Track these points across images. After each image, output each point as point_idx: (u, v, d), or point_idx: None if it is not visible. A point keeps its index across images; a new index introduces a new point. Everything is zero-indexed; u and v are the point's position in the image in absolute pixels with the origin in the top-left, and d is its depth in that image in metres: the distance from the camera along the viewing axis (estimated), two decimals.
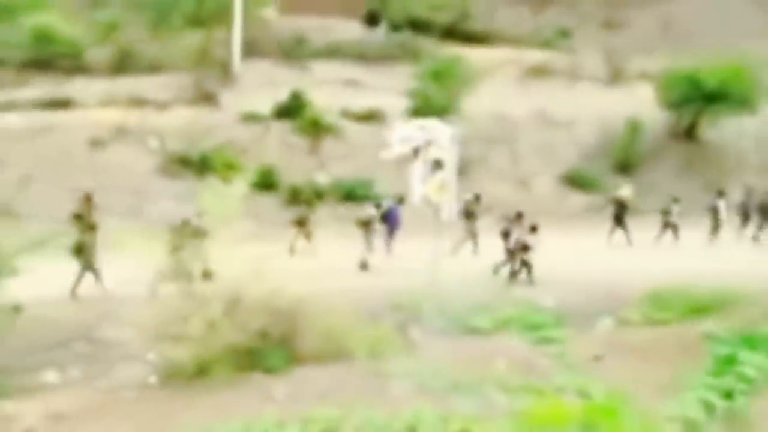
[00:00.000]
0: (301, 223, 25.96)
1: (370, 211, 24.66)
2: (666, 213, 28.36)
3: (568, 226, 30.39)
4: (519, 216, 23.06)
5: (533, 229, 22.36)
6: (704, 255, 25.78)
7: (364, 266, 23.63)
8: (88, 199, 24.71)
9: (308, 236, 25.80)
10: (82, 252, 21.17)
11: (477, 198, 26.47)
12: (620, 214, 28.07)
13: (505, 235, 22.71)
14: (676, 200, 28.46)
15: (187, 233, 17.87)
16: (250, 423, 3.56)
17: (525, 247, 22.18)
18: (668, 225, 28.20)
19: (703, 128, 37.69)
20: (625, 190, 28.99)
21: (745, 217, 29.67)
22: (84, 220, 22.98)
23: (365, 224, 24.23)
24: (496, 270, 22.66)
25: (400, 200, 25.35)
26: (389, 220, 24.93)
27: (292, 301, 14.57)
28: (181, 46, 41.31)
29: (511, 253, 22.44)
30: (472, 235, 25.73)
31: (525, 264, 22.27)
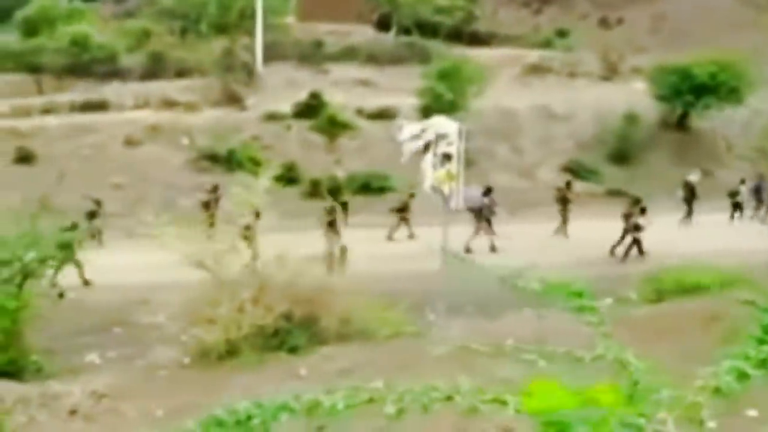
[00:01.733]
0: (402, 210, 25.87)
1: (485, 200, 24.95)
2: (734, 194, 28.24)
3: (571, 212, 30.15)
4: (636, 201, 24.22)
5: (642, 210, 23.49)
6: (728, 235, 25.47)
7: (493, 249, 23.83)
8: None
9: (407, 222, 25.78)
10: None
11: (489, 191, 26.14)
12: (689, 197, 28.03)
13: (627, 217, 23.52)
14: (743, 181, 28.81)
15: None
16: (300, 393, 3.56)
17: (637, 227, 23.11)
18: (737, 206, 28.21)
19: (694, 119, 37.43)
20: (694, 176, 28.82)
21: (759, 201, 29.51)
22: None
23: (478, 213, 24.57)
24: (612, 251, 23.50)
25: (488, 190, 25.48)
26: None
27: (314, 285, 14.51)
28: (208, 52, 41.34)
29: (626, 232, 23.40)
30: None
31: (636, 242, 23.17)
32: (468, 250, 22.92)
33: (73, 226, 20.29)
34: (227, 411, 5.09)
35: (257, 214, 17.64)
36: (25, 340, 15.02)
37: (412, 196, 24.95)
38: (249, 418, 4.73)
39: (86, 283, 20.43)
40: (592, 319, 4.03)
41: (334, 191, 28.60)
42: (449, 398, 3.74)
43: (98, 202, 25.39)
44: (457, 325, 14.70)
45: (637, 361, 3.58)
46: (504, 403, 3.51)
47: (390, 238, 25.58)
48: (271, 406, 4.67)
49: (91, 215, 24.48)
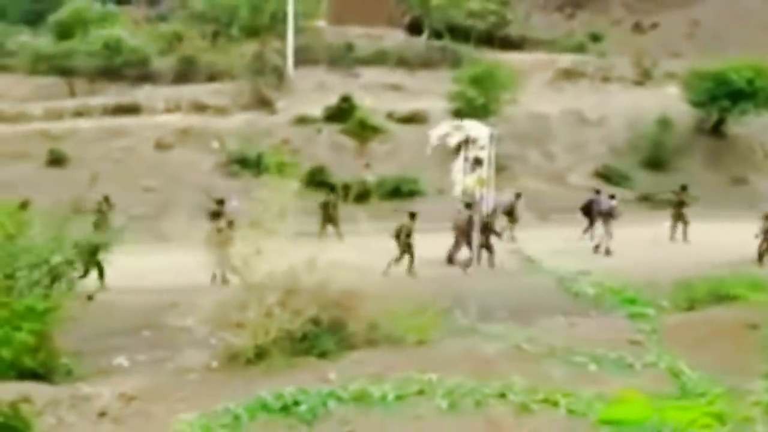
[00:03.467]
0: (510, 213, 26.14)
1: (612, 203, 25.62)
2: None
3: None
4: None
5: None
6: None
7: (608, 252, 24.42)
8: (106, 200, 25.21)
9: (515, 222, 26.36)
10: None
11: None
12: None
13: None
14: None
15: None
16: (347, 382, 3.51)
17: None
18: None
19: (730, 125, 37.00)
20: None
21: None
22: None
23: (607, 215, 25.19)
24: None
25: (611, 196, 26.32)
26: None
27: (342, 289, 14.49)
28: (239, 55, 41.55)
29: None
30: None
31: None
32: (607, 252, 24.31)
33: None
34: (273, 395, 5.03)
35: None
36: (55, 342, 15.14)
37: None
38: (296, 403, 4.67)
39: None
40: (644, 326, 3.97)
41: (364, 195, 28.88)
42: (502, 395, 3.71)
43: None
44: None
45: (690, 371, 3.51)
46: (555, 404, 3.47)
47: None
48: (319, 393, 4.63)
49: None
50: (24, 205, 19.42)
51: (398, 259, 21.96)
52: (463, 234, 23.14)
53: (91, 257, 18.47)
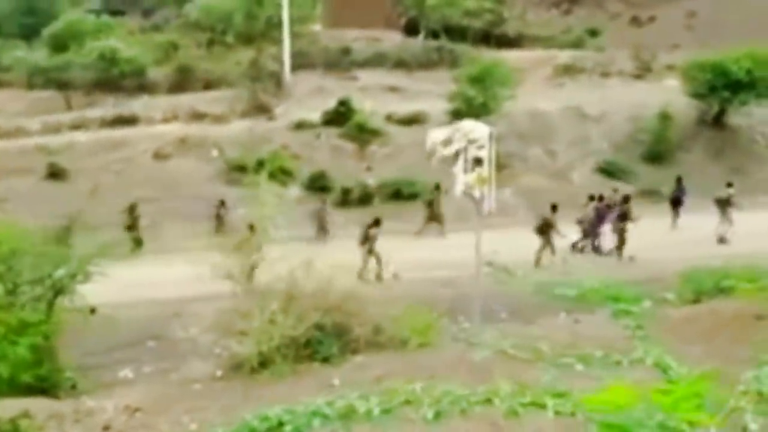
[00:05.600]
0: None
1: (730, 191, 25.94)
2: None
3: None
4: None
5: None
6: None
7: (722, 240, 25.11)
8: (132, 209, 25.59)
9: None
10: None
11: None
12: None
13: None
14: None
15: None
16: (334, 398, 3.50)
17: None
18: None
19: (730, 116, 36.96)
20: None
21: None
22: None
23: (725, 204, 25.62)
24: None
25: (729, 184, 26.63)
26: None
27: (343, 294, 14.51)
28: (235, 62, 41.62)
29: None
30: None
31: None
32: (722, 240, 25.06)
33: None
34: (258, 417, 5.07)
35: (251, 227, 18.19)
36: (59, 356, 15.17)
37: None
38: (281, 424, 4.71)
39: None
40: (629, 322, 3.99)
41: (365, 198, 29.09)
42: (488, 401, 3.73)
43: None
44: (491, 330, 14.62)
45: (677, 365, 3.52)
46: (543, 406, 3.49)
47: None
48: (304, 412, 4.66)
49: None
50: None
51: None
52: (591, 225, 25.12)
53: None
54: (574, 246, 25.04)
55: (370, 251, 22.46)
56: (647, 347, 2.93)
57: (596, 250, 25.46)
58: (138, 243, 25.36)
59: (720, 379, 2.70)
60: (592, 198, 26.55)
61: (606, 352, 3.05)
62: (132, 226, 26.18)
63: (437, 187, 27.45)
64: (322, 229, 27.20)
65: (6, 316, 13.99)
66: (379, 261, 22.30)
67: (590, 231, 25.38)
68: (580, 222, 25.55)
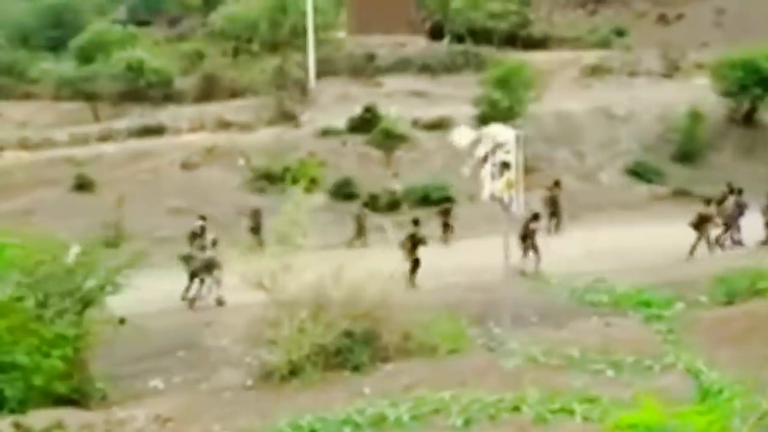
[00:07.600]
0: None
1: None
2: None
3: (636, 215, 29.73)
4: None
5: None
6: None
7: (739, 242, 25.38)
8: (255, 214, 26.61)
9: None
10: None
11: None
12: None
13: None
14: None
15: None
16: (365, 406, 3.53)
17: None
18: None
19: (762, 113, 36.58)
20: None
21: None
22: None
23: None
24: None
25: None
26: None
27: (374, 301, 14.50)
28: (260, 71, 41.80)
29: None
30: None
31: None
32: (738, 242, 25.23)
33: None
34: (291, 425, 5.08)
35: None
36: (89, 367, 15.28)
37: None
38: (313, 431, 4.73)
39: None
40: (660, 327, 3.96)
41: (393, 204, 29.24)
42: (516, 408, 3.73)
43: (256, 213, 26.94)
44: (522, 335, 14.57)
45: (708, 369, 3.49)
46: (571, 412, 3.48)
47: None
48: (335, 420, 4.67)
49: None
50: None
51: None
52: (731, 219, 25.22)
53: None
54: (716, 240, 24.84)
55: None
56: (678, 352, 2.91)
57: (737, 242, 25.44)
58: (260, 245, 25.05)
59: (753, 384, 2.67)
60: (731, 191, 26.34)
61: (637, 357, 3.02)
62: (255, 229, 26.43)
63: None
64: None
65: (39, 327, 14.12)
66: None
67: (731, 224, 25.32)
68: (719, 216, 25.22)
